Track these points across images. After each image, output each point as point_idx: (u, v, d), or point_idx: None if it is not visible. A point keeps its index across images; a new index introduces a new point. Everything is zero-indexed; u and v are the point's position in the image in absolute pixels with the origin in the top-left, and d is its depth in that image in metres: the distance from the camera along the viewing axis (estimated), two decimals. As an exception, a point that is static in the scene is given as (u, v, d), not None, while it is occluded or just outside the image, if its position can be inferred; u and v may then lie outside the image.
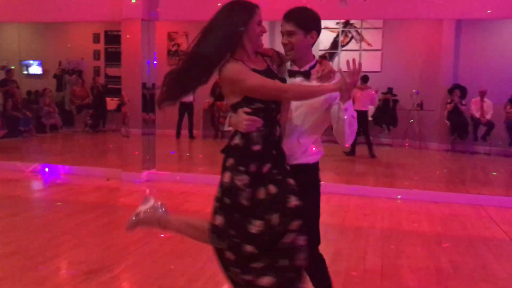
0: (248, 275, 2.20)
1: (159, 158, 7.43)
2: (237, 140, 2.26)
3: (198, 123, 12.06)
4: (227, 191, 2.23)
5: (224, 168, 2.28)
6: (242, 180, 2.20)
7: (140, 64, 6.85)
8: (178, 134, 11.73)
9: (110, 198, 6.02)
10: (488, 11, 5.77)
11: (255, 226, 2.17)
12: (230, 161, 2.26)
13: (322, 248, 4.21)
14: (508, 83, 10.39)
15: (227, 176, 2.24)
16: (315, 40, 2.47)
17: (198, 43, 2.28)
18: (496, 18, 8.79)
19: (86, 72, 13.56)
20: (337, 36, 12.08)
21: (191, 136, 11.79)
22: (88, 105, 12.97)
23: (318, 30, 2.45)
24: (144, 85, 6.92)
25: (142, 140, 7.04)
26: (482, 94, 10.46)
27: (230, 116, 2.35)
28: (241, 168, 2.21)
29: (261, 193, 2.21)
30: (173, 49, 12.52)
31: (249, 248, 2.18)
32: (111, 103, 12.77)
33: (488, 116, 10.36)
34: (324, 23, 11.80)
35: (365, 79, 9.59)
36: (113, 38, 12.85)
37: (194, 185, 6.64)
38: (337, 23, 11.96)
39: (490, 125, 10.33)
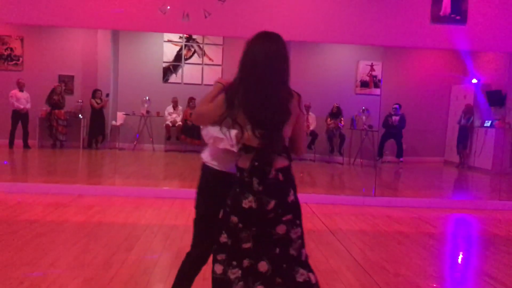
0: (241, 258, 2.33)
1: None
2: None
3: (34, 132, 11.36)
4: None
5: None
6: None
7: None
8: (11, 144, 10.90)
9: None
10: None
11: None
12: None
13: (168, 244, 4.49)
14: (328, 99, 11.89)
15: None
16: None
17: None
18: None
19: None
20: (181, 49, 12.50)
21: (26, 146, 11.05)
22: None
23: None
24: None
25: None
26: (307, 108, 11.81)
27: None
28: None
29: None
30: (6, 53, 11.65)
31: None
32: None
33: (312, 127, 11.75)
34: (167, 36, 12.27)
35: None
36: None
37: (30, 195, 6.37)
38: (180, 37, 12.39)
39: (314, 135, 11.71)
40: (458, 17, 6.74)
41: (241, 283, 2.32)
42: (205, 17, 6.60)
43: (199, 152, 2.70)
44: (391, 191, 8.58)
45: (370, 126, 11.56)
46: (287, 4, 6.83)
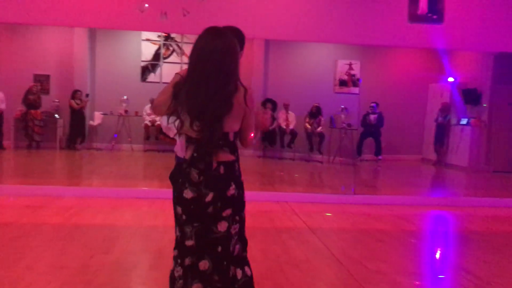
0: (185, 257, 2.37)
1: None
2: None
3: (9, 133, 11.12)
4: None
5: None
6: None
7: None
8: (-15, 145, 10.66)
9: None
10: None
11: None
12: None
13: (148, 245, 4.40)
14: (308, 98, 11.93)
15: None
16: None
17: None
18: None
19: None
20: (159, 48, 12.39)
21: (1, 147, 10.81)
22: None
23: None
24: None
25: None
26: (286, 106, 11.85)
27: None
28: None
29: None
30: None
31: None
32: None
33: (291, 126, 11.78)
34: (145, 35, 12.14)
35: None
36: None
37: (5, 197, 6.22)
38: (159, 36, 12.28)
39: (293, 134, 11.74)
40: (435, 16, 6.83)
41: (181, 281, 2.38)
42: (184, 15, 6.54)
43: (179, 152, 2.74)
44: (370, 189, 8.64)
45: (349, 125, 11.64)
46: (266, 2, 6.81)
